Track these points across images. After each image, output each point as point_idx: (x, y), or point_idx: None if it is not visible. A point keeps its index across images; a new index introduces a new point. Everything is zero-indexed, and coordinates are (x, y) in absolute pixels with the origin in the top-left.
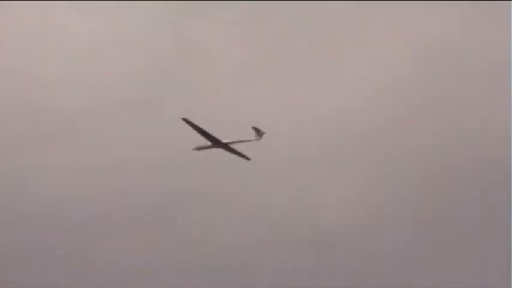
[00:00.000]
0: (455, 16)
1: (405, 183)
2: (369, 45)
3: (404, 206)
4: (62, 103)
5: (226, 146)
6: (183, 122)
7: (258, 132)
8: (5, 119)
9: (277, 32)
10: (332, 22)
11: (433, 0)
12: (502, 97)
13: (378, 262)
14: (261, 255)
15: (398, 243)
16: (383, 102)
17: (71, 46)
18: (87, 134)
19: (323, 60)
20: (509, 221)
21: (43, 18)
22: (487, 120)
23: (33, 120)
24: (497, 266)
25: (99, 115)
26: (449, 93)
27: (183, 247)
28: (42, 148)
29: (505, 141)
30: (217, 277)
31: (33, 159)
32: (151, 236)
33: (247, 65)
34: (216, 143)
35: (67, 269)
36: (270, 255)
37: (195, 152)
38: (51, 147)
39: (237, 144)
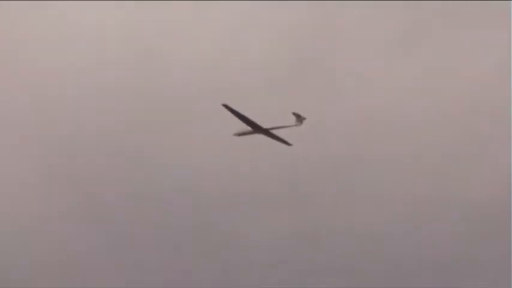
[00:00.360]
0: None
1: None
2: None
3: None
4: (209, 82)
5: (266, 132)
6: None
7: (299, 118)
8: (150, 99)
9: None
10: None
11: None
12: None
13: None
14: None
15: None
16: None
17: (212, 30)
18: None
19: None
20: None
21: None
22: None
23: (177, 98)
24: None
25: (238, 92)
26: None
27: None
28: (192, 124)
29: None
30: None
31: (181, 136)
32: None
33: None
34: (256, 128)
35: (224, 244)
36: None
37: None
38: (199, 122)
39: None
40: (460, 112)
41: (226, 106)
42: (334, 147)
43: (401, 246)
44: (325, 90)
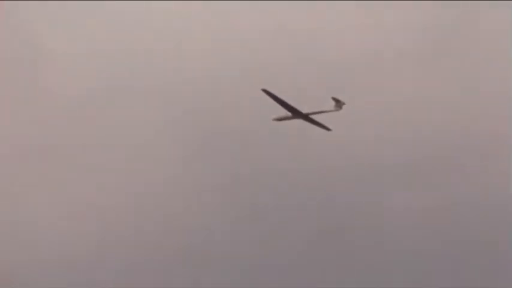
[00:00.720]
0: None
1: None
2: None
3: None
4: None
5: (306, 117)
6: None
7: (338, 103)
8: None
9: None
10: None
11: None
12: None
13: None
14: None
15: None
16: None
17: None
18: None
19: None
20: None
21: None
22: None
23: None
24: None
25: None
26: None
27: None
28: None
29: None
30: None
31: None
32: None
33: None
34: (296, 113)
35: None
36: None
37: None
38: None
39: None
40: None
41: (265, 91)
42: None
43: None
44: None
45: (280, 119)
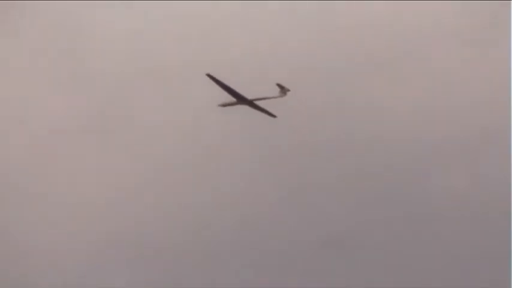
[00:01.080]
0: None
1: None
2: None
3: None
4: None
5: (251, 103)
6: None
7: (282, 89)
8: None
9: None
10: None
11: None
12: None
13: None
14: None
15: None
16: None
17: None
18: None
19: None
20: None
21: None
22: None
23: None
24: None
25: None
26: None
27: None
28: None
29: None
30: None
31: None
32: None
33: None
34: (240, 99)
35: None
36: None
37: None
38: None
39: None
40: None
41: (210, 76)
42: None
43: None
44: None
45: (225, 105)
